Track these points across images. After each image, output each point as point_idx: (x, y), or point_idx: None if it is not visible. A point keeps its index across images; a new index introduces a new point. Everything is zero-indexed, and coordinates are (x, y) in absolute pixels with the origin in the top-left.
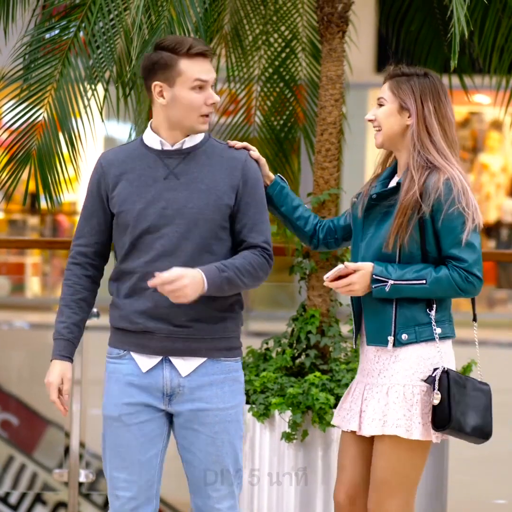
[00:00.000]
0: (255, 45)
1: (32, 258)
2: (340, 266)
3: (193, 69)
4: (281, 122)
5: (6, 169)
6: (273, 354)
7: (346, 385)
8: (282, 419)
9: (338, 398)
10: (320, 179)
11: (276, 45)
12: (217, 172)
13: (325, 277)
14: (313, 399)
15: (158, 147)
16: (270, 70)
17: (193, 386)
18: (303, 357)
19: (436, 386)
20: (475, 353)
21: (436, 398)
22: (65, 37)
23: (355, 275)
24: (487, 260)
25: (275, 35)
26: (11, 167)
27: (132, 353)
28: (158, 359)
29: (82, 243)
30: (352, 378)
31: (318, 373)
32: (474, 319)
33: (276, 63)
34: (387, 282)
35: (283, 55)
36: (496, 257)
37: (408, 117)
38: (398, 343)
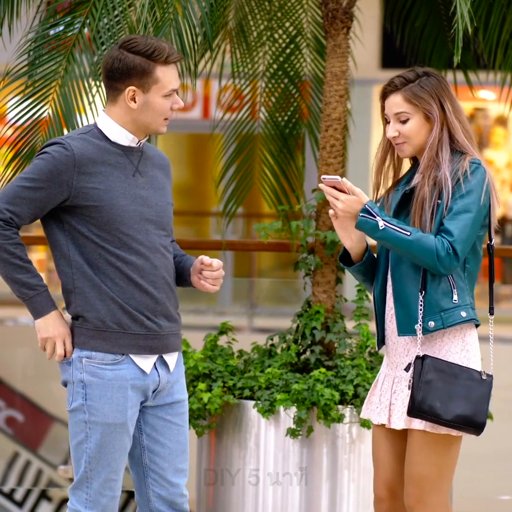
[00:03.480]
0: (260, 41)
1: (37, 254)
2: (338, 177)
3: (169, 77)
4: (286, 118)
5: (11, 165)
6: (278, 350)
7: (351, 381)
8: (287, 415)
9: (343, 394)
10: (324, 175)
11: (280, 41)
12: (159, 171)
13: (322, 177)
14: (318, 395)
15: (125, 143)
16: (275, 66)
17: (174, 379)
18: (308, 353)
19: (411, 374)
20: (485, 350)
21: (408, 385)
22: (70, 34)
23: (347, 196)
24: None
25: (280, 31)
26: (16, 163)
27: (131, 356)
28: (155, 358)
29: (18, 212)
30: (357, 374)
31: (323, 369)
32: (491, 312)
33: (281, 59)
34: (376, 217)
35: (288, 51)
36: (501, 253)
37: (434, 122)
38: (425, 331)
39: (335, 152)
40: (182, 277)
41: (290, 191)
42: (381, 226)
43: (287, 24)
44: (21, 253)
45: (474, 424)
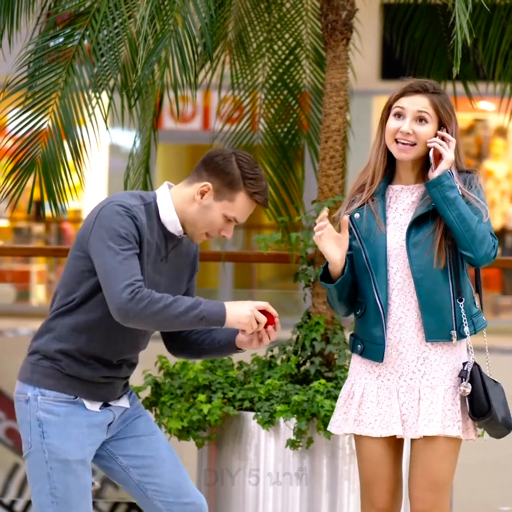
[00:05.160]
0: (259, 52)
1: (37, 266)
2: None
3: (244, 208)
4: (285, 129)
5: (11, 177)
6: (278, 362)
7: None
8: (287, 426)
9: None
10: (324, 186)
11: (280, 52)
12: (185, 259)
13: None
14: (318, 406)
15: (171, 230)
16: (274, 77)
17: (122, 410)
18: (308, 364)
19: (468, 378)
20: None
21: (467, 390)
22: (70, 45)
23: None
24: (492, 267)
25: (279, 43)
26: (15, 175)
27: (82, 399)
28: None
29: (140, 277)
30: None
31: (323, 381)
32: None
33: (280, 70)
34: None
35: (287, 62)
36: (501, 264)
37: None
38: (460, 336)
39: (335, 164)
40: (212, 346)
41: (289, 202)
42: (460, 192)
43: (287, 36)
44: (162, 294)
45: (509, 426)
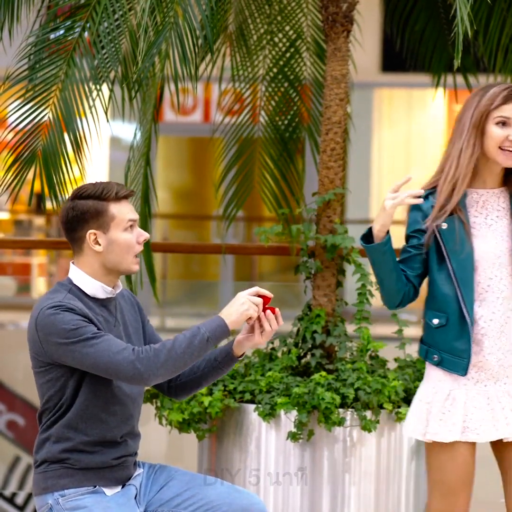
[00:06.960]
0: (260, 44)
1: (38, 258)
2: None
3: (124, 211)
4: (286, 121)
5: (11, 169)
6: (279, 354)
7: (352, 384)
8: (288, 418)
9: (343, 397)
10: (325, 178)
11: (280, 44)
12: (131, 312)
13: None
14: (319, 398)
15: (103, 296)
16: (275, 69)
17: (140, 478)
18: (308, 356)
19: None
20: None
21: None
22: (70, 37)
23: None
24: None
25: (280, 35)
26: (16, 167)
27: (102, 488)
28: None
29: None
30: (358, 377)
31: (323, 373)
32: None
33: (281, 62)
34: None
35: (288, 54)
36: None
37: None
38: None
39: (336, 156)
40: (211, 367)
41: (290, 194)
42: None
43: (287, 28)
44: (159, 343)
45: None
